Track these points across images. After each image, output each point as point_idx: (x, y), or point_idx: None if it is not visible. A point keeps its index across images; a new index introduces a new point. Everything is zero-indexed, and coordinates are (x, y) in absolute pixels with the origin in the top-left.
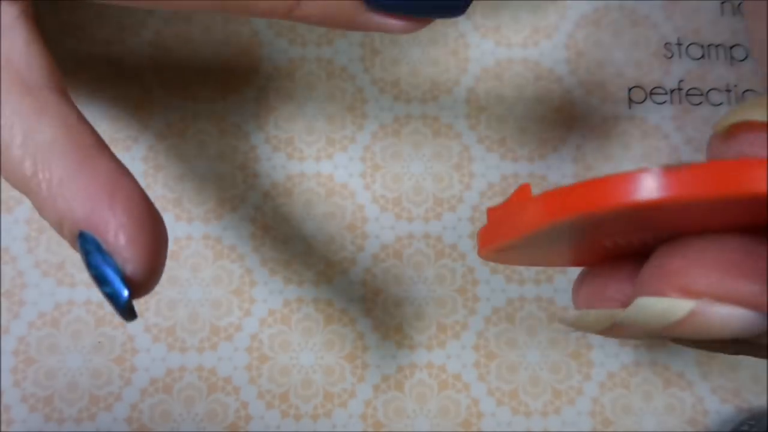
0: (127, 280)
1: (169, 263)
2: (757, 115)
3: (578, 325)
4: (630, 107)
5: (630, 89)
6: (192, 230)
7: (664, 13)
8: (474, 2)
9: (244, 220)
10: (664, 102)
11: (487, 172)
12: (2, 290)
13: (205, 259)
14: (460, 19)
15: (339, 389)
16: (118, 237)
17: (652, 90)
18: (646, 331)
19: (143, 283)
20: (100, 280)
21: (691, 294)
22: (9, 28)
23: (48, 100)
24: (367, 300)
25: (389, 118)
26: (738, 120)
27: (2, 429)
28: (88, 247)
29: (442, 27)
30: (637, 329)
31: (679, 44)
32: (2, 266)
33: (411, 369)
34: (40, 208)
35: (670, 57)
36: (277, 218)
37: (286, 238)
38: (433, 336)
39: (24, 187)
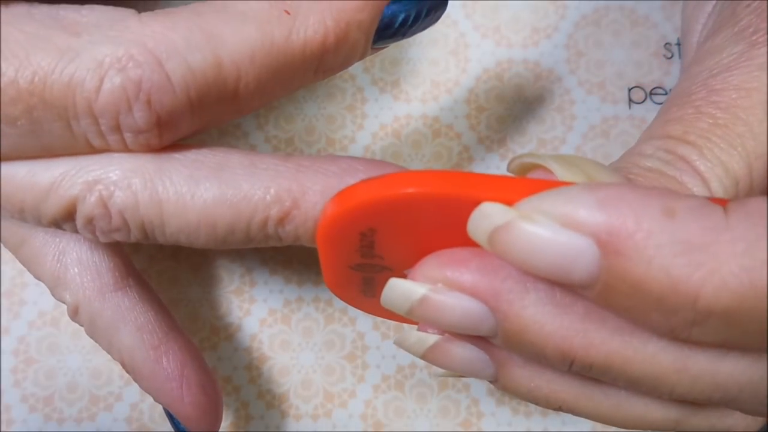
0: None
1: (168, 263)
2: (552, 165)
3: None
4: (630, 107)
5: (630, 89)
6: None
7: (664, 13)
8: (474, 2)
9: None
10: (664, 102)
11: (488, 172)
12: (2, 290)
13: (205, 259)
14: (460, 19)
15: (339, 389)
16: (188, 420)
17: (652, 90)
18: (400, 312)
19: None
20: None
21: (428, 279)
22: (71, 242)
23: (121, 305)
24: None
25: (389, 118)
26: (533, 162)
27: (2, 429)
28: (169, 415)
29: (442, 27)
30: (394, 308)
31: (679, 44)
32: (2, 266)
33: (411, 369)
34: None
35: (670, 57)
36: None
37: None
38: None
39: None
